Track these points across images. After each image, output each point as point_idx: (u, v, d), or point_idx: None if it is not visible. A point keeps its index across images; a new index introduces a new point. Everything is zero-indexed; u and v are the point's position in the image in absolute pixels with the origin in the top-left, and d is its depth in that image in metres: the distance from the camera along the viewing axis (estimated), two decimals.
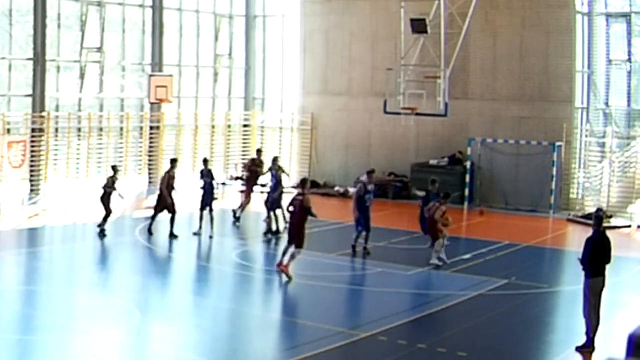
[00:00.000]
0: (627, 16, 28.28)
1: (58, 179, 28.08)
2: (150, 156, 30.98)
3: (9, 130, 26.55)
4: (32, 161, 26.89)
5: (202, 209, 22.29)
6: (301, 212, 17.43)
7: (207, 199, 22.37)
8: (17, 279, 17.28)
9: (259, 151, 25.73)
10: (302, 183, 18.18)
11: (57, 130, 28.21)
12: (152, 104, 29.64)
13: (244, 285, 18.14)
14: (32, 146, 26.98)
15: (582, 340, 13.48)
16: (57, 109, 28.30)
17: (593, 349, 13.32)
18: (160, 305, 16.10)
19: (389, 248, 21.62)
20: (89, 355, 12.60)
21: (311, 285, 17.03)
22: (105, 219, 21.35)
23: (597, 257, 13.40)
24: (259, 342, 13.95)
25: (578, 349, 13.39)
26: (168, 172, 22.06)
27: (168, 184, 21.81)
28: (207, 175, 22.56)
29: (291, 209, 17.68)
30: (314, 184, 32.55)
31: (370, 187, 20.67)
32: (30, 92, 27.38)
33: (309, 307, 16.18)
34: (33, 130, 27.19)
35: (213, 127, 33.38)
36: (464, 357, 13.01)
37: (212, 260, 20.35)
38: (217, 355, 13.00)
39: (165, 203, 21.74)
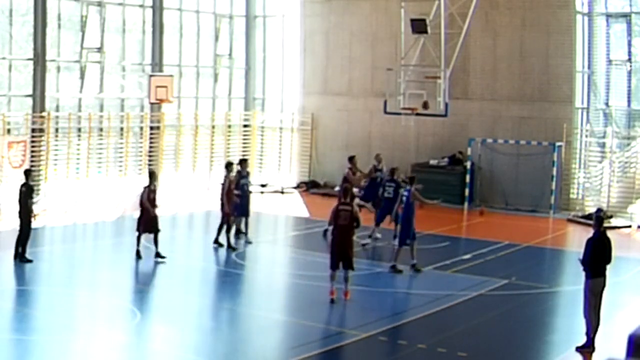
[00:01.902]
0: (627, 16, 28.27)
1: (58, 179, 28.07)
2: (150, 156, 30.96)
3: (9, 130, 26.54)
4: (32, 161, 26.87)
5: (245, 214, 21.18)
6: (352, 225, 15.66)
7: (247, 203, 21.13)
8: (17, 279, 17.28)
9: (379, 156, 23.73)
10: (345, 192, 16.20)
11: (57, 130, 28.20)
12: (152, 104, 29.62)
13: (244, 285, 18.15)
14: (32, 146, 26.96)
15: (582, 340, 13.49)
16: (57, 109, 28.28)
17: (593, 349, 13.33)
18: (160, 305, 16.10)
19: (389, 248, 21.63)
20: (89, 355, 12.60)
21: (311, 285, 17.02)
22: (155, 240, 19.15)
23: (597, 257, 13.40)
24: (259, 342, 13.95)
25: (578, 349, 13.40)
26: (227, 176, 20.51)
27: (229, 189, 20.35)
28: (245, 177, 21.24)
29: (341, 222, 15.63)
30: (314, 184, 32.62)
31: (381, 167, 22.11)
32: (30, 92, 27.36)
33: (309, 307, 16.17)
34: (33, 130, 27.17)
35: (213, 127, 33.36)
36: (464, 357, 13.02)
37: (212, 261, 20.33)
38: (217, 355, 13.01)
39: (224, 212, 20.30)
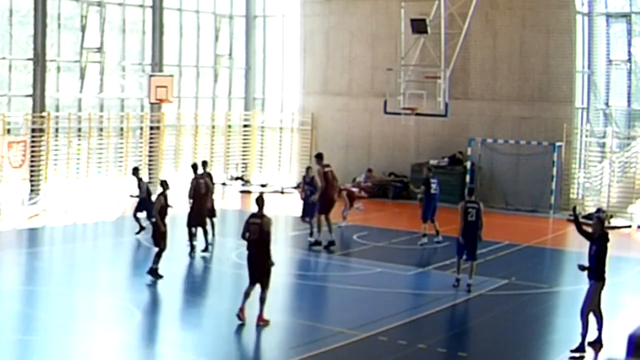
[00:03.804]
0: (627, 16, 28.27)
1: (58, 179, 28.08)
2: (150, 156, 30.97)
3: (9, 130, 26.56)
4: (32, 161, 26.89)
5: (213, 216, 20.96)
6: (262, 239, 14.34)
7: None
8: (17, 279, 17.28)
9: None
10: (259, 202, 14.55)
11: (57, 130, 28.22)
12: (152, 104, 29.65)
13: (244, 285, 18.10)
14: (32, 146, 26.98)
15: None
16: (57, 109, 28.31)
17: (601, 346, 13.30)
18: (160, 305, 16.10)
19: (389, 248, 21.64)
20: (89, 355, 12.60)
21: (311, 285, 17.02)
22: (158, 256, 17.50)
23: (602, 259, 13.36)
24: (259, 342, 13.94)
25: (575, 350, 13.36)
26: (197, 177, 20.19)
27: (207, 190, 20.11)
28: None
29: (248, 235, 14.38)
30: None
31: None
32: (30, 92, 27.38)
33: (309, 307, 16.17)
34: (33, 130, 27.20)
35: (213, 127, 33.39)
36: (464, 357, 13.02)
37: (211, 260, 20.32)
38: (217, 355, 13.00)
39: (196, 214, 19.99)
